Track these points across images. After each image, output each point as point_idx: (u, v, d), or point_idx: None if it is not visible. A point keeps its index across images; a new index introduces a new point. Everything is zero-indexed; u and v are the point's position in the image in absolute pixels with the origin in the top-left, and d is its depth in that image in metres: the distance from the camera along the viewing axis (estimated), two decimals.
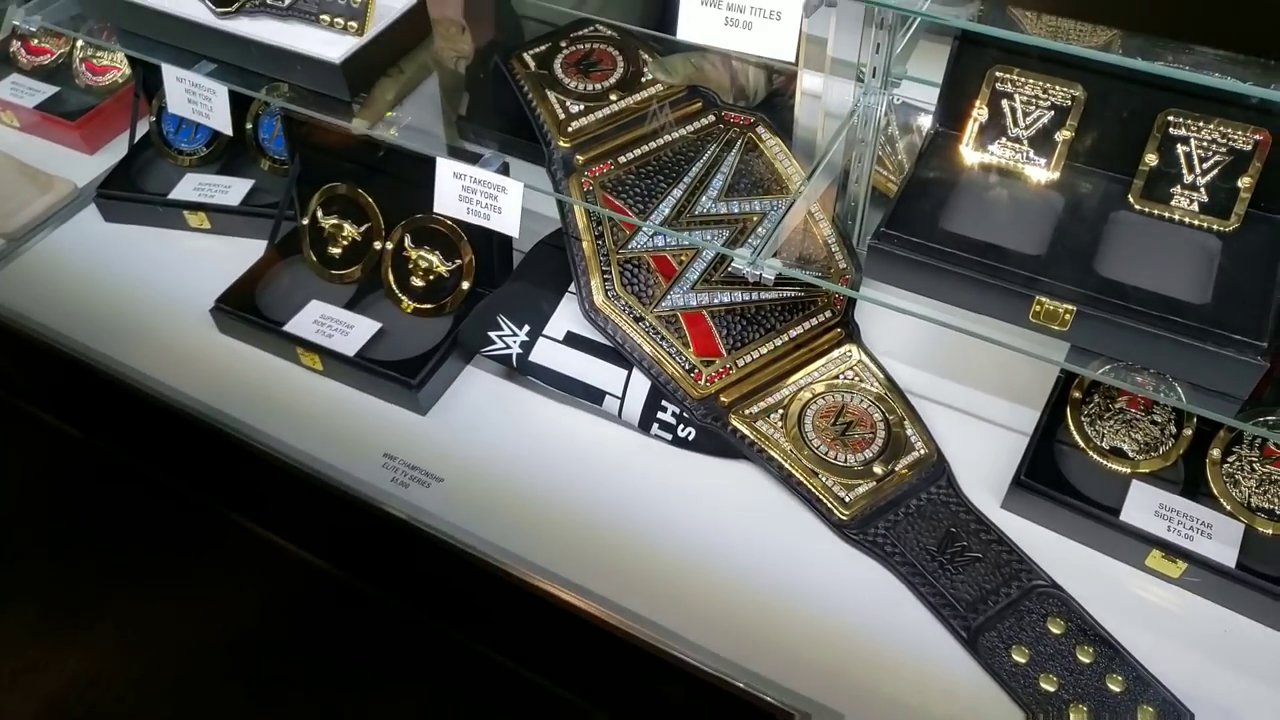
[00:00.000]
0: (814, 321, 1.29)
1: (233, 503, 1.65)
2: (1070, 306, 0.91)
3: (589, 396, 1.27)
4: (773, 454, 1.19)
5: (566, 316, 1.30)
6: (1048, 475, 1.15)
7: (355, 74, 1.24)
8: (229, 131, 1.35)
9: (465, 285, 1.36)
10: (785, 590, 1.12)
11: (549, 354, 1.28)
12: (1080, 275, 0.94)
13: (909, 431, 1.22)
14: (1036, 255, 0.96)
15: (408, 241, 1.39)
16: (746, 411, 1.23)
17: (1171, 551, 1.07)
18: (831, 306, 1.29)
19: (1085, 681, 1.01)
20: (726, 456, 1.25)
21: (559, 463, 1.25)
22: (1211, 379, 0.90)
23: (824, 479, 1.18)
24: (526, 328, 1.30)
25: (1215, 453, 1.12)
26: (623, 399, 1.25)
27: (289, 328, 1.35)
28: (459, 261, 1.37)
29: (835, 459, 1.19)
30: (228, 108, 1.32)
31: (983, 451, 1.23)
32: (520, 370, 1.28)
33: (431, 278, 1.38)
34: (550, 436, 1.28)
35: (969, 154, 1.06)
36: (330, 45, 1.22)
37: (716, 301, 1.27)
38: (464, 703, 1.45)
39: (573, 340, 1.29)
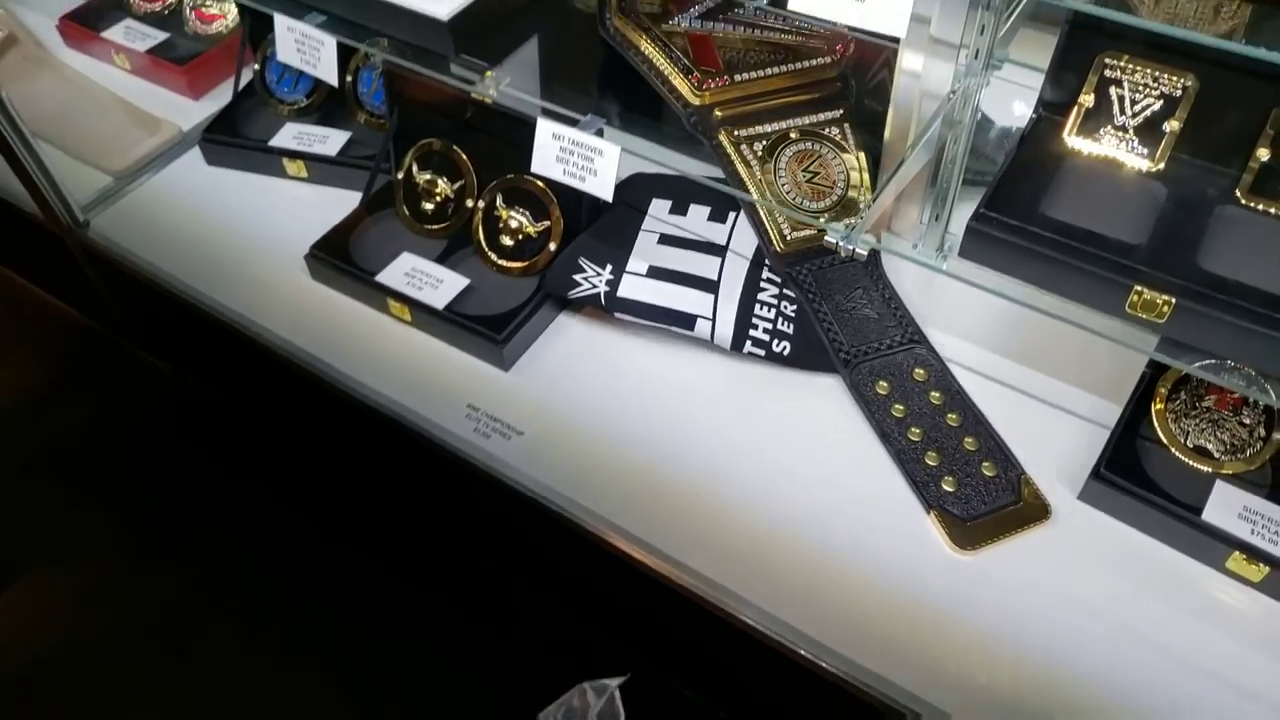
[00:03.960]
0: (812, 63, 1.40)
1: (316, 444, 1.71)
2: (1169, 298, 0.90)
3: (680, 323, 1.30)
4: (744, 176, 1.31)
5: (645, 253, 1.37)
6: (1128, 469, 1.14)
7: (462, 32, 1.26)
8: (335, 82, 1.39)
9: (552, 246, 1.38)
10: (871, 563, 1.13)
11: (635, 288, 1.32)
12: (1182, 267, 0.93)
13: (861, 200, 1.32)
14: (1137, 245, 0.95)
15: (499, 201, 1.42)
16: (735, 132, 1.35)
17: (1254, 555, 1.06)
18: (832, 52, 1.40)
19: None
20: (819, 371, 1.30)
21: (639, 420, 1.28)
22: None
23: (777, 213, 1.31)
24: (609, 267, 1.34)
25: None
26: (714, 320, 1.30)
27: (380, 278, 1.39)
28: (548, 223, 1.39)
29: (793, 198, 1.29)
30: (335, 58, 1.36)
31: (1060, 441, 1.22)
32: (609, 308, 1.31)
33: (520, 237, 1.41)
34: (631, 394, 1.30)
35: (1072, 140, 1.05)
36: (438, 2, 1.25)
37: (720, 29, 1.40)
38: (527, 655, 1.49)
39: (655, 273, 1.34)
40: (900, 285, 1.37)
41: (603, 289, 1.32)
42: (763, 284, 1.36)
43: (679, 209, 1.43)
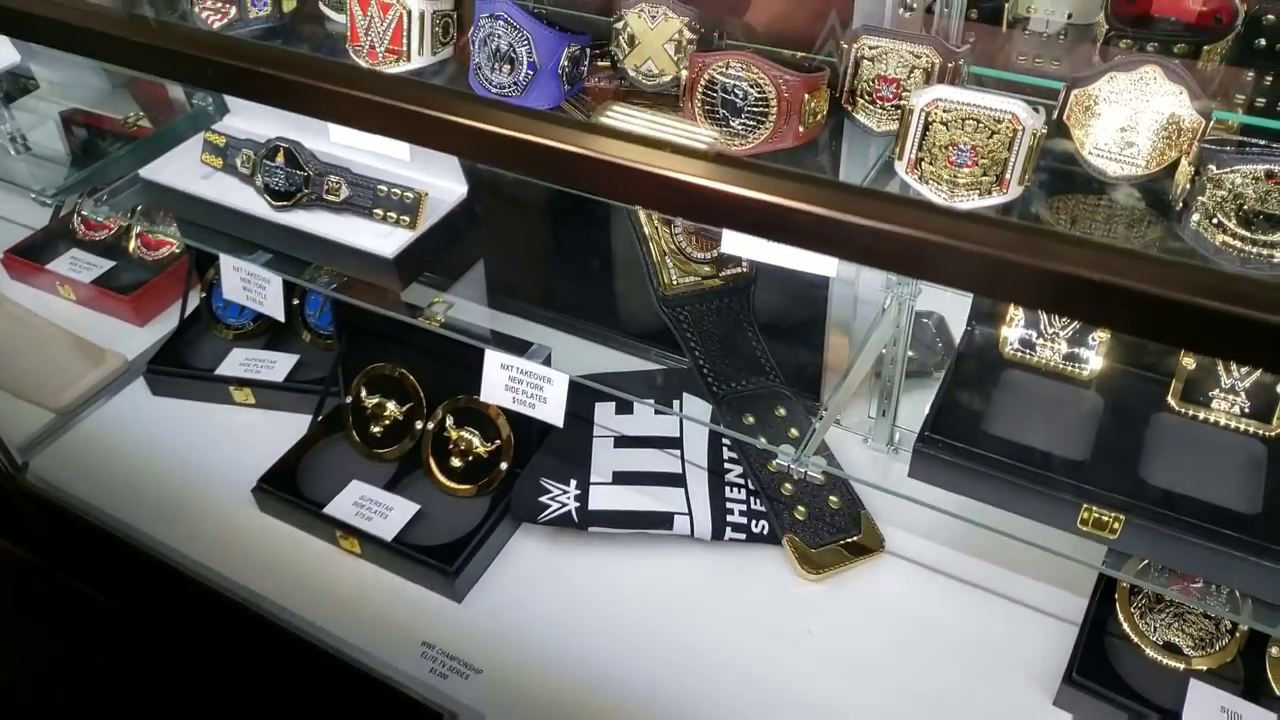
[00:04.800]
0: None
1: (265, 685, 1.62)
2: (1119, 515, 0.91)
3: (659, 524, 1.29)
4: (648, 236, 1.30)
5: (604, 460, 1.37)
6: (1100, 672, 1.12)
7: (407, 267, 1.29)
8: (281, 318, 1.40)
9: (503, 466, 1.37)
10: None
11: (605, 498, 1.32)
12: (1126, 481, 0.94)
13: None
14: (1081, 460, 0.97)
15: (449, 422, 1.42)
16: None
17: None
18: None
19: None
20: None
21: (600, 644, 1.23)
22: (1266, 591, 0.89)
23: (668, 260, 1.30)
24: (574, 482, 1.34)
25: (1275, 651, 1.10)
26: (690, 513, 1.29)
27: (329, 510, 1.36)
28: (499, 441, 1.39)
29: (684, 249, 1.29)
30: (281, 295, 1.37)
31: (1030, 640, 1.20)
32: (582, 524, 1.29)
33: (471, 458, 1.40)
34: (591, 615, 1.27)
35: (1006, 352, 1.08)
36: (384, 240, 1.28)
37: None
38: None
39: (621, 478, 1.34)
40: (857, 487, 1.37)
41: (572, 506, 1.31)
42: (726, 464, 1.36)
43: (624, 409, 1.45)
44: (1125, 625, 1.16)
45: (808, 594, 1.27)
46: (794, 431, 1.20)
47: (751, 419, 1.18)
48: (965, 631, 1.22)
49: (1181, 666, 1.12)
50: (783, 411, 1.22)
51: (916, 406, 1.21)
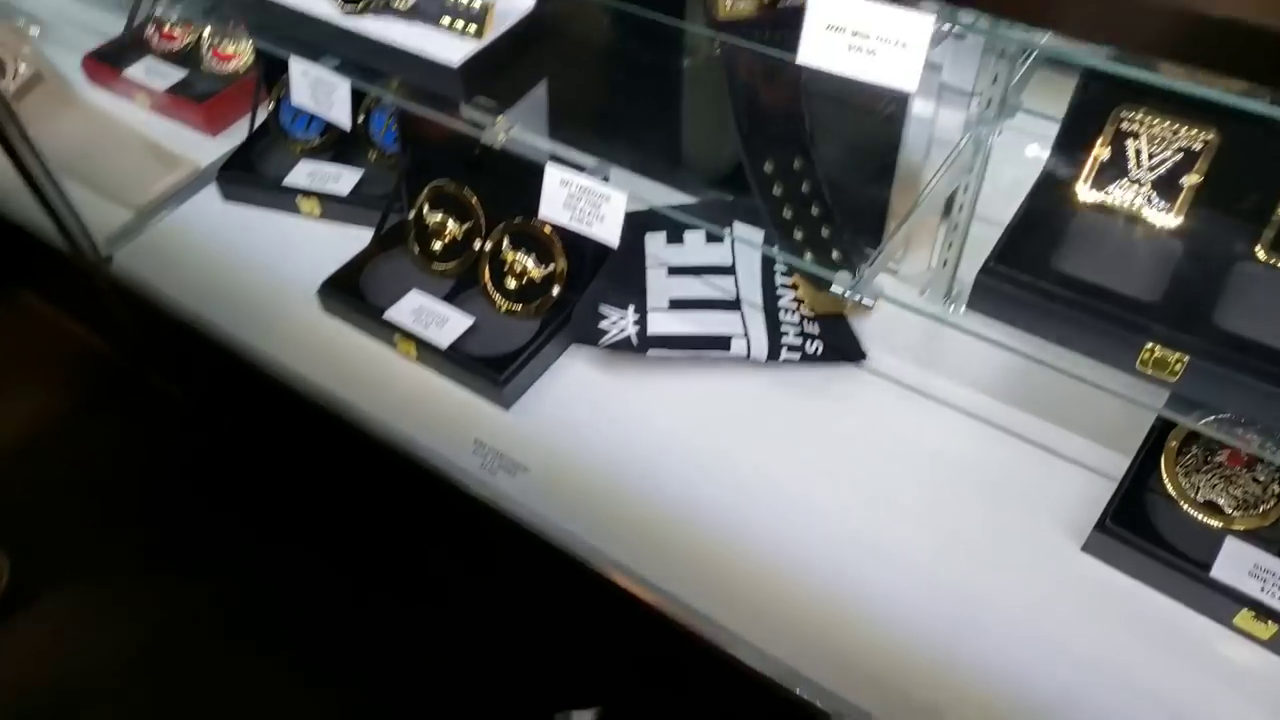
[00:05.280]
0: None
1: (325, 474, 1.71)
2: (1181, 356, 0.89)
3: (717, 346, 1.32)
4: None
5: (660, 288, 1.38)
6: (1135, 522, 1.12)
7: (472, 78, 1.28)
8: (348, 126, 1.40)
9: (556, 291, 1.39)
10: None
11: (663, 323, 1.34)
12: (1196, 325, 0.92)
13: None
14: (1151, 301, 0.95)
15: (505, 243, 1.43)
16: None
17: (1263, 613, 1.04)
18: None
19: None
20: (850, 361, 1.33)
21: (642, 456, 1.27)
22: None
23: None
24: (631, 307, 1.36)
25: None
26: (747, 336, 1.32)
27: (389, 315, 1.40)
28: (552, 266, 1.40)
29: None
30: (348, 102, 1.37)
31: (1065, 492, 1.21)
32: (642, 348, 1.32)
33: (525, 280, 1.42)
34: (633, 431, 1.30)
35: (1085, 192, 1.05)
36: (450, 48, 1.26)
37: None
38: (519, 684, 1.48)
39: (677, 304, 1.36)
40: (904, 335, 1.37)
41: (632, 330, 1.33)
42: (779, 291, 1.37)
43: (674, 238, 1.45)
44: (1167, 482, 1.16)
45: (852, 427, 1.29)
46: (848, 259, 1.18)
47: (803, 238, 1.16)
48: (1001, 476, 1.23)
49: (1219, 525, 1.12)
50: (839, 239, 1.21)
51: (978, 262, 1.19)
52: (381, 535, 1.67)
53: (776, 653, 1.09)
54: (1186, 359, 0.89)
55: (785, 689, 1.07)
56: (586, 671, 1.48)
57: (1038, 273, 0.96)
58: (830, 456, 1.26)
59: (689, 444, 1.28)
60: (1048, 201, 1.05)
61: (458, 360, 1.34)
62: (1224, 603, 1.06)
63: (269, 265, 1.56)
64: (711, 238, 1.44)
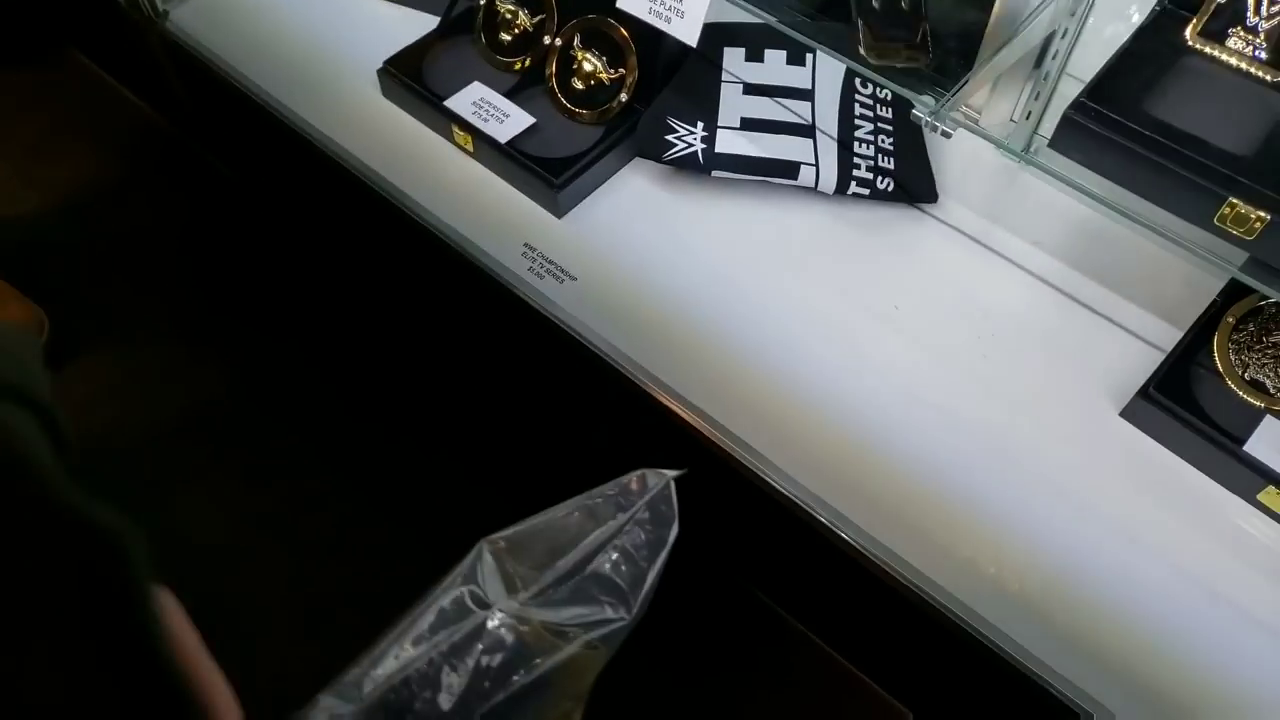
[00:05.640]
0: None
1: (370, 261, 1.73)
2: (1263, 214, 0.86)
3: (784, 172, 1.29)
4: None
5: (732, 105, 1.33)
6: (1178, 393, 1.12)
7: None
8: None
9: (623, 98, 1.35)
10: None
11: (732, 142, 1.30)
12: None
13: None
14: (1241, 155, 0.91)
15: (576, 41, 1.38)
16: None
17: None
18: None
19: None
20: (920, 202, 1.30)
21: (693, 279, 1.27)
22: None
23: None
24: (700, 124, 1.32)
25: None
26: (817, 165, 1.28)
27: (449, 103, 1.37)
28: (622, 71, 1.36)
29: None
30: None
31: (1112, 357, 1.20)
32: (708, 167, 1.29)
33: (593, 83, 1.38)
34: (689, 252, 1.29)
35: (1193, 38, 0.99)
36: None
37: None
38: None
39: (749, 124, 1.32)
40: (976, 185, 1.33)
41: (699, 147, 1.30)
42: (857, 120, 1.34)
43: (754, 56, 1.39)
44: (1217, 357, 1.15)
45: (910, 271, 1.28)
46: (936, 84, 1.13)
47: (893, 57, 1.11)
48: (1053, 337, 1.22)
49: (1262, 405, 1.11)
50: (926, 67, 1.15)
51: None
52: (423, 323, 1.69)
53: (806, 482, 1.11)
54: (1268, 218, 0.86)
55: (808, 511, 1.10)
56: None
57: (1127, 115, 0.92)
58: (883, 298, 1.25)
59: (742, 271, 1.28)
60: (1152, 44, 0.99)
61: (514, 158, 1.32)
62: (1252, 478, 1.07)
63: (331, 40, 1.52)
64: (793, 58, 1.38)
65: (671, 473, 0.88)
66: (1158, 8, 1.01)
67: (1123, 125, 0.92)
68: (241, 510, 1.52)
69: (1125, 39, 1.00)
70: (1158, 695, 0.98)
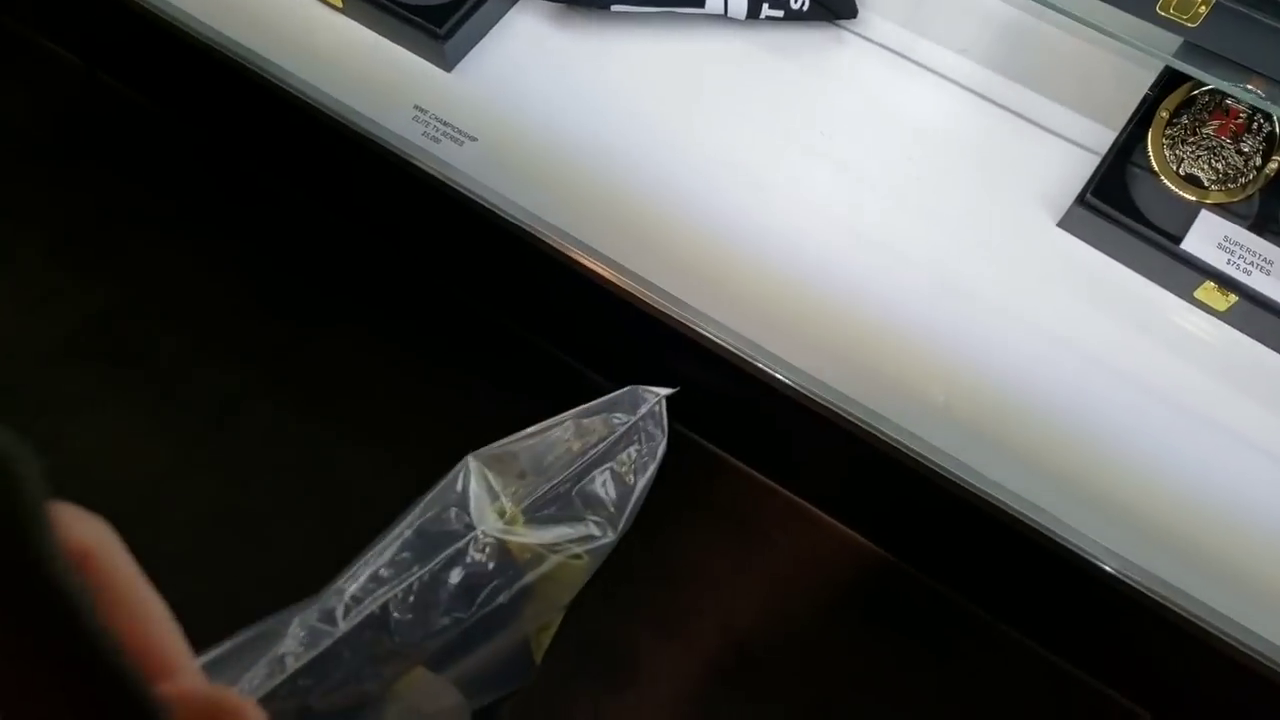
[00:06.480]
0: None
1: (244, 146, 1.58)
2: None
3: (689, 2, 1.17)
4: None
5: None
6: (1115, 197, 1.09)
7: None
8: None
9: None
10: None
11: None
12: None
13: None
14: None
15: None
16: None
17: (1225, 284, 1.04)
18: None
19: None
20: (841, 18, 1.20)
21: (602, 128, 1.17)
22: None
23: None
24: None
25: None
26: None
27: None
28: None
29: None
30: None
31: (1048, 167, 1.16)
32: (604, 2, 1.17)
33: None
34: (593, 99, 1.19)
35: None
36: None
37: None
38: (478, 370, 1.47)
39: None
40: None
41: None
42: None
43: None
44: (1151, 154, 1.11)
45: (834, 97, 1.20)
46: None
47: None
48: (980, 147, 1.17)
49: (1195, 199, 1.09)
50: None
51: None
52: (318, 205, 1.57)
53: (743, 331, 1.06)
54: (1213, 1, 0.81)
55: (741, 358, 1.05)
56: (539, 353, 1.46)
57: None
58: (809, 129, 1.18)
59: (654, 114, 1.18)
60: None
61: (389, 9, 1.18)
62: (1190, 275, 1.06)
63: None
64: None
65: (663, 391, 0.83)
66: None
67: None
68: (154, 429, 1.43)
69: None
70: (1124, 510, 1.00)
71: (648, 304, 1.09)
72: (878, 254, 1.11)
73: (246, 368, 1.47)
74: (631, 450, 0.83)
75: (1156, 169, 1.11)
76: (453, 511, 0.77)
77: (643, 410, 0.83)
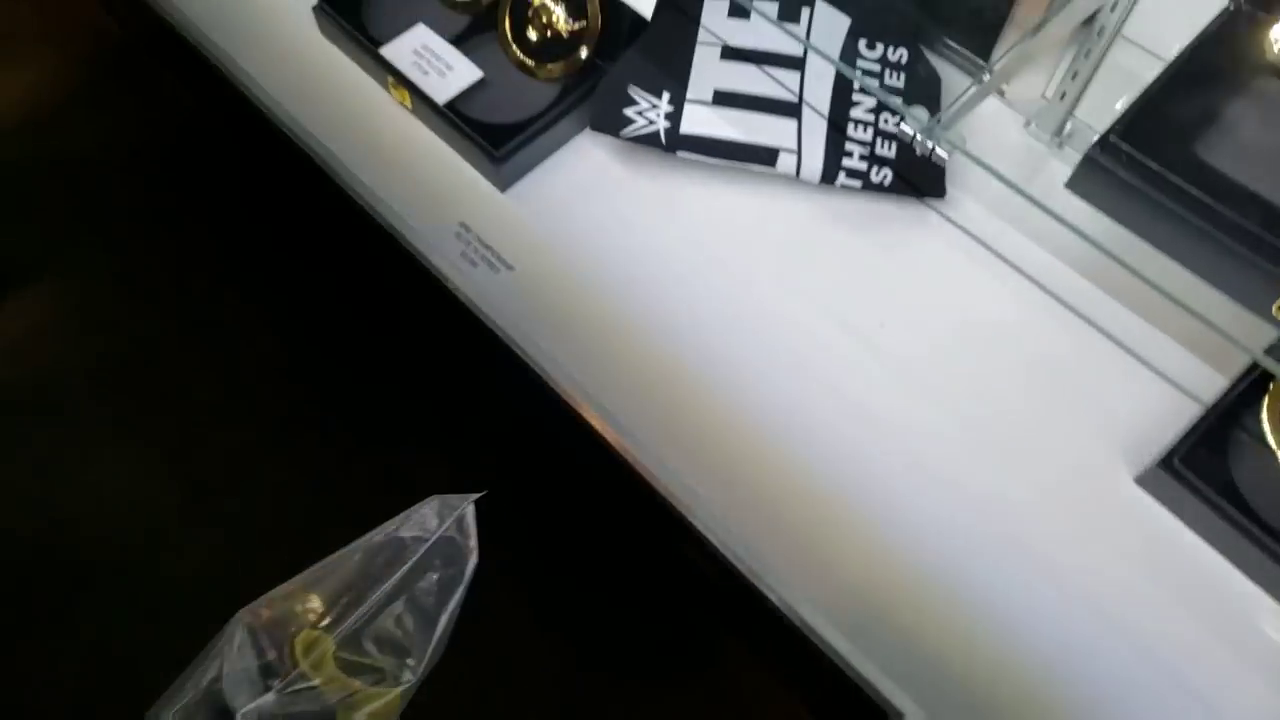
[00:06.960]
0: None
1: (300, 215, 1.58)
2: None
3: (760, 159, 1.09)
4: None
5: (706, 73, 1.11)
6: (1210, 467, 0.92)
7: None
8: None
9: (583, 53, 1.14)
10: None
11: (701, 120, 1.10)
12: None
13: None
14: None
15: None
16: None
17: None
18: None
19: None
20: (925, 196, 1.09)
21: (649, 279, 1.09)
22: None
23: None
24: (666, 95, 1.11)
25: None
26: (799, 151, 1.08)
27: (386, 51, 1.18)
28: (584, 22, 1.14)
29: None
30: None
31: (1137, 404, 1.00)
32: (670, 147, 1.10)
33: (550, 34, 1.16)
34: (648, 244, 1.11)
35: (1272, 51, 0.75)
36: None
37: None
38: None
39: (723, 99, 1.10)
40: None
41: (662, 125, 1.09)
42: (854, 98, 1.11)
43: (738, 11, 1.14)
44: (1265, 424, 0.94)
45: (906, 278, 1.08)
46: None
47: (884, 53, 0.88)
48: (1058, 368, 1.03)
49: None
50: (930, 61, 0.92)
51: (1106, 100, 0.90)
52: (353, 287, 1.55)
53: (761, 550, 0.95)
54: None
55: (745, 579, 0.95)
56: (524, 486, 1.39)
57: (1170, 159, 0.70)
58: (866, 318, 1.06)
59: (707, 271, 1.09)
60: (1218, 55, 0.76)
61: (453, 122, 1.14)
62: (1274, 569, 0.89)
63: None
64: (786, 12, 1.14)
65: (470, 497, 0.74)
66: (1230, 6, 0.76)
67: (1162, 177, 0.70)
68: (166, 473, 1.43)
69: (1181, 46, 0.76)
70: None
71: (645, 478, 1.00)
72: (921, 477, 0.98)
73: (259, 430, 1.46)
74: (433, 573, 0.75)
75: (1271, 441, 0.93)
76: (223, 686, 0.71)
77: (446, 525, 0.75)
